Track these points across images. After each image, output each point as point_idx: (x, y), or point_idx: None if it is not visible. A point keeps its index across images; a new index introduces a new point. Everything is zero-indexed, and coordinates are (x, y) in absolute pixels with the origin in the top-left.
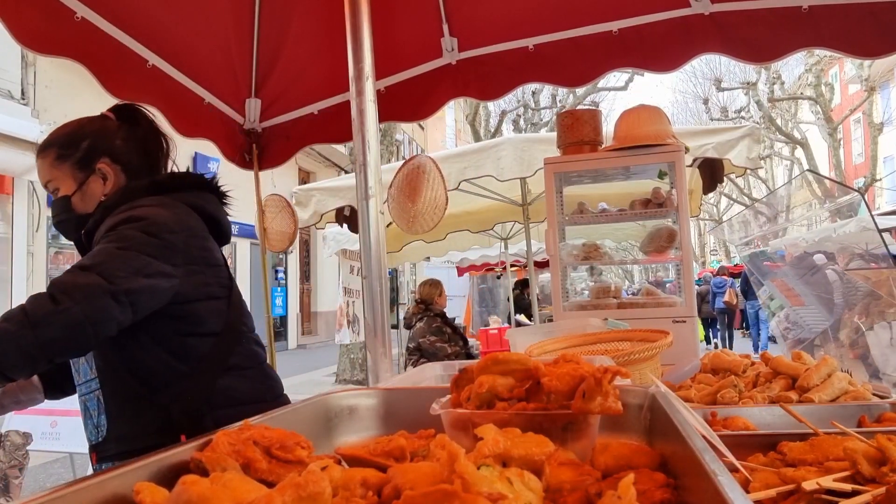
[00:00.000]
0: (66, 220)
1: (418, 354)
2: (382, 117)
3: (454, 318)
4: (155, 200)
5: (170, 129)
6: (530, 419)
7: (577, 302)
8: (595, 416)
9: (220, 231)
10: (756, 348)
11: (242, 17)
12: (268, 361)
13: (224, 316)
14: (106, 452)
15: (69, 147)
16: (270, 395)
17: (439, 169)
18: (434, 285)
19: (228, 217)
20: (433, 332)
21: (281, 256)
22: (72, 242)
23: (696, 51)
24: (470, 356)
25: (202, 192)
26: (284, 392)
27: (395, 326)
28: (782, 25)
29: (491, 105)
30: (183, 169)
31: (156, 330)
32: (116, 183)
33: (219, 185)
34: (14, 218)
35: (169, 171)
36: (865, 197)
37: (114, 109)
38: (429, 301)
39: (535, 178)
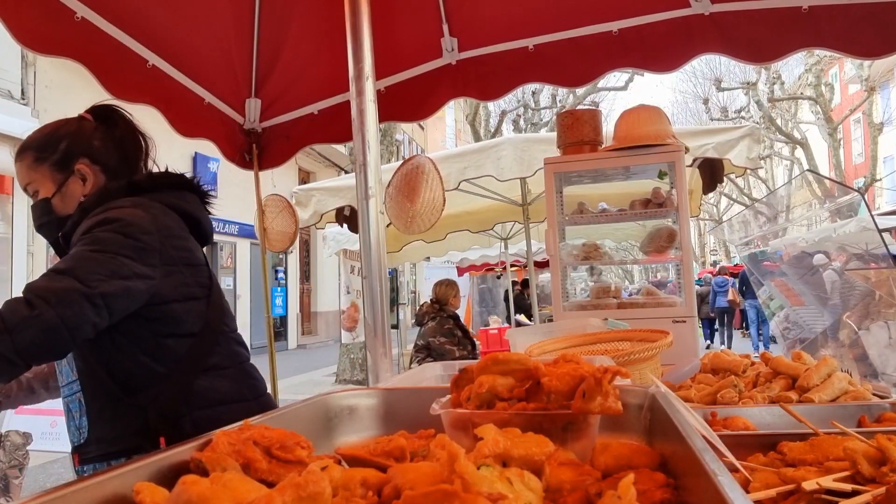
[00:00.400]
0: (48, 222)
1: (426, 353)
2: (382, 117)
3: None
4: (130, 201)
5: (170, 129)
6: (530, 419)
7: (577, 302)
8: (595, 416)
9: (201, 231)
10: (756, 348)
11: (242, 17)
12: (268, 361)
13: (203, 316)
14: (87, 454)
15: (46, 149)
16: (251, 394)
17: (437, 169)
18: (450, 286)
19: (210, 216)
20: (444, 333)
21: (281, 256)
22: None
23: (696, 51)
24: (476, 359)
25: (181, 191)
26: (268, 392)
27: (395, 326)
28: (782, 25)
29: (491, 105)
30: (182, 169)
31: (133, 331)
32: (96, 183)
33: (200, 184)
34: (14, 218)
35: (149, 170)
36: (865, 197)
37: (91, 110)
38: (444, 301)
39: (535, 178)
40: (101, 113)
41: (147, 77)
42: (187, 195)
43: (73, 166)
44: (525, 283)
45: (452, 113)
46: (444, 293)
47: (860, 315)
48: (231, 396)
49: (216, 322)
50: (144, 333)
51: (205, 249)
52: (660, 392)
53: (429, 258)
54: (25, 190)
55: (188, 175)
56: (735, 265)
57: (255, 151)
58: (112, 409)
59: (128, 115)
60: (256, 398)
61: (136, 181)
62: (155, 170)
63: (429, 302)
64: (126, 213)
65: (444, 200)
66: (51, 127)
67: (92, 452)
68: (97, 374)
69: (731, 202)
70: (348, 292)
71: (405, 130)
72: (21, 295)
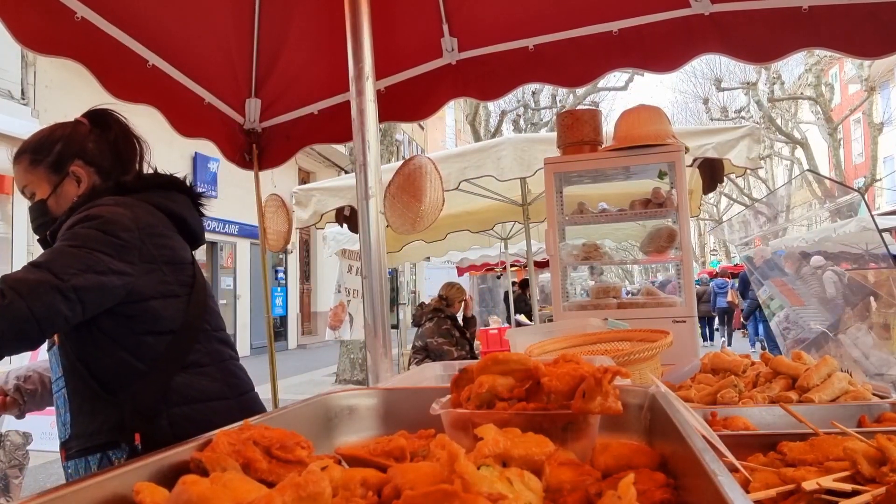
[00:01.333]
0: (44, 223)
1: (424, 354)
2: (382, 117)
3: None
4: (113, 200)
5: (170, 129)
6: (530, 419)
7: (577, 302)
8: (595, 416)
9: (188, 231)
10: (753, 343)
11: (242, 17)
12: (268, 361)
13: (184, 314)
14: (70, 450)
15: (41, 152)
16: (233, 392)
17: (438, 170)
18: (460, 290)
19: (201, 217)
20: (442, 333)
21: (281, 256)
22: None
23: (696, 51)
24: (475, 359)
25: (170, 192)
26: (254, 390)
27: (395, 326)
28: (782, 25)
29: (491, 105)
30: (182, 169)
31: (112, 328)
32: (90, 185)
33: (192, 185)
34: (14, 218)
35: (139, 171)
36: (865, 197)
37: (86, 114)
38: (450, 301)
39: (535, 178)
40: (96, 116)
41: (147, 77)
42: (176, 195)
43: (68, 168)
44: (524, 284)
45: (452, 113)
46: (454, 295)
47: (859, 316)
48: (210, 394)
49: (196, 320)
50: (123, 330)
51: (203, 249)
52: (660, 392)
53: (429, 258)
54: (23, 192)
55: (179, 176)
56: (735, 265)
57: (255, 151)
58: (90, 405)
59: (123, 118)
60: (237, 396)
61: (123, 181)
62: (149, 172)
63: (437, 298)
64: (107, 210)
65: (444, 201)
66: (46, 130)
67: (73, 448)
68: (78, 369)
69: (731, 202)
70: (338, 291)
71: (405, 130)
72: None
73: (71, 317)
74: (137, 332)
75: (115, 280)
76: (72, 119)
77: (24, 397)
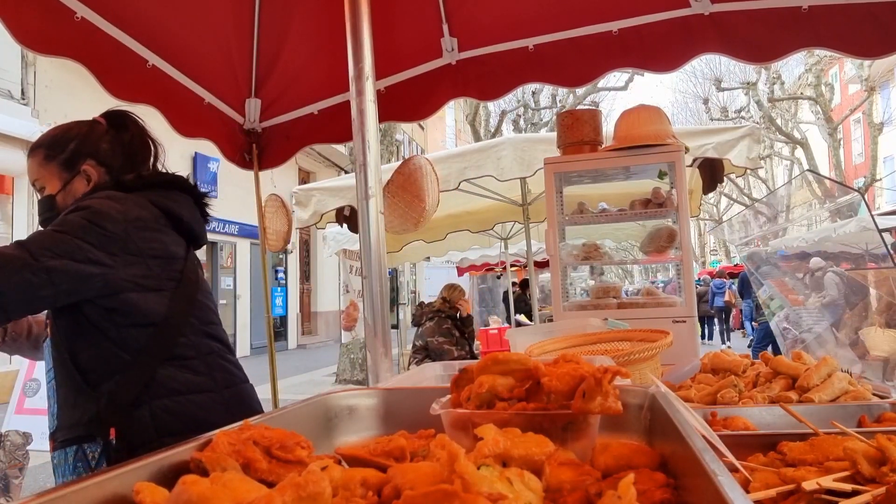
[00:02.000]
0: (49, 217)
1: (424, 353)
2: (382, 117)
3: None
4: (106, 194)
5: (170, 129)
6: (530, 419)
7: (577, 302)
8: (595, 416)
9: (186, 229)
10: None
11: (242, 17)
12: (268, 361)
13: (168, 308)
14: (56, 441)
15: (56, 148)
16: (218, 385)
17: (435, 171)
18: (462, 292)
19: (202, 217)
20: (442, 333)
21: (281, 256)
22: None
23: (696, 51)
24: (475, 359)
25: (170, 190)
26: (245, 384)
27: (395, 326)
28: (782, 25)
29: (491, 105)
30: (182, 169)
31: (98, 320)
32: (97, 183)
33: (194, 185)
34: (14, 218)
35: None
36: (865, 197)
37: (105, 115)
38: (452, 303)
39: (535, 178)
40: (114, 117)
41: (147, 77)
42: (177, 195)
43: (80, 166)
44: (524, 284)
45: (452, 113)
46: (456, 296)
47: (858, 316)
48: (193, 386)
49: (182, 313)
50: (107, 322)
51: (203, 249)
52: (660, 392)
53: (429, 258)
54: (33, 185)
55: (181, 175)
56: (735, 265)
57: (255, 151)
58: (74, 397)
59: (140, 121)
60: (223, 389)
61: (123, 179)
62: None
63: (439, 300)
64: (98, 202)
65: (439, 202)
66: (63, 127)
67: (58, 439)
68: (65, 361)
69: (731, 202)
70: (347, 291)
71: (405, 130)
72: None
73: (44, 298)
74: (120, 324)
75: (92, 269)
76: (76, 118)
77: (6, 338)
